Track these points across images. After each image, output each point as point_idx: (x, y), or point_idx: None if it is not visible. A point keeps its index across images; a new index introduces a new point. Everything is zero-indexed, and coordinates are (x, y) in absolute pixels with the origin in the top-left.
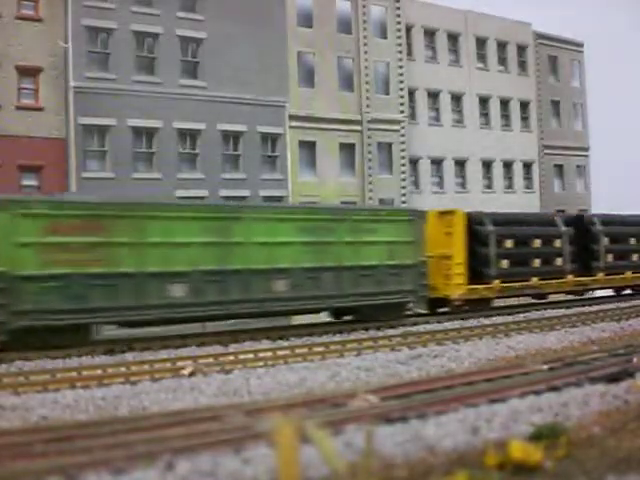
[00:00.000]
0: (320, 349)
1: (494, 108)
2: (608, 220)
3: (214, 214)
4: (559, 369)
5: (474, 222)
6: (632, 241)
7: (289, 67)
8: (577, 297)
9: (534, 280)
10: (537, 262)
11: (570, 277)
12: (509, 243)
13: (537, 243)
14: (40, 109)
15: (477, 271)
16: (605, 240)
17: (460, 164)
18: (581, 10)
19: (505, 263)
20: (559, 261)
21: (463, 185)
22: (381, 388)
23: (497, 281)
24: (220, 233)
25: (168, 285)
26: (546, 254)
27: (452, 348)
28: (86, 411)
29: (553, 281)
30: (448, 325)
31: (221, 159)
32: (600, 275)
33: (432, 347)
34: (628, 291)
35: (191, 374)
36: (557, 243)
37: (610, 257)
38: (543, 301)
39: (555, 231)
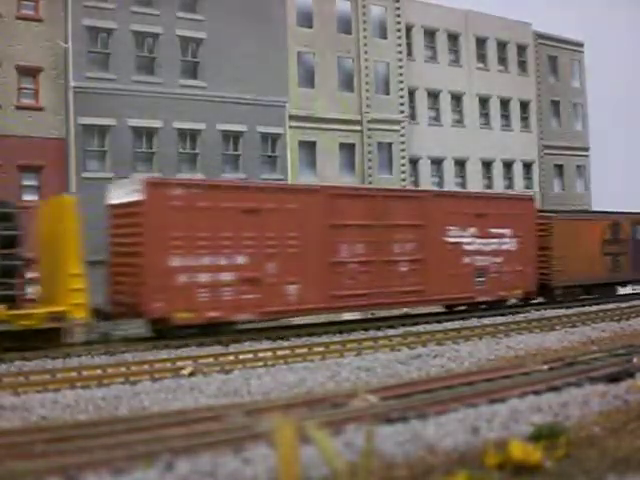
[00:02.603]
0: (320, 349)
1: (494, 108)
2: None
3: None
4: (559, 369)
5: None
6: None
7: (289, 67)
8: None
9: None
10: None
11: None
12: None
13: None
14: (40, 109)
15: None
16: None
17: (460, 164)
18: (581, 10)
19: None
20: None
21: (463, 185)
22: (381, 388)
23: None
24: None
25: None
26: None
27: (452, 348)
28: (86, 411)
29: None
30: (448, 325)
31: (221, 159)
32: None
33: (432, 347)
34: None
35: (191, 374)
36: None
37: None
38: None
39: None
